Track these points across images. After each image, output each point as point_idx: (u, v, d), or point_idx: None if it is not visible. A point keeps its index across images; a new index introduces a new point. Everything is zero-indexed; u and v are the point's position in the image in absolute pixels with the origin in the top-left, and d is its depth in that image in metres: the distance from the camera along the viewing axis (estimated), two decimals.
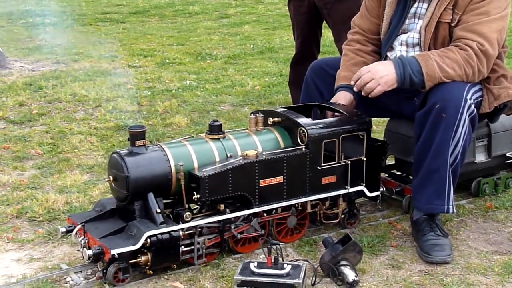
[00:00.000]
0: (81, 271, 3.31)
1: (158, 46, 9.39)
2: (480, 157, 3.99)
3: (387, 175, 4.14)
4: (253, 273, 2.96)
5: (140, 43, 9.72)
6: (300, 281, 2.90)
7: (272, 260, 3.00)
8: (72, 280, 3.24)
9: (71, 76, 7.35)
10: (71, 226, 3.33)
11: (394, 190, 3.95)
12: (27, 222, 3.93)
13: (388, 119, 4.10)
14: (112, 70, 7.88)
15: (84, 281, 3.23)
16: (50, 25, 11.47)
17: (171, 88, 6.98)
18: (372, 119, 3.89)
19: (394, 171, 4.17)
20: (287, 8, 5.75)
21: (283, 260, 3.07)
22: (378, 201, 3.81)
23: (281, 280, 2.92)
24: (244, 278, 2.94)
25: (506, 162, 4.17)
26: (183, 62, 8.28)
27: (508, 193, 4.21)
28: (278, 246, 3.10)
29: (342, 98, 3.74)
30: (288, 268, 2.97)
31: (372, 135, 3.71)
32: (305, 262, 3.18)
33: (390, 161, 4.24)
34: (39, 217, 3.96)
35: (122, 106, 6.18)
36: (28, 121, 5.85)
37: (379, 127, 5.26)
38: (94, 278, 3.25)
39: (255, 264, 2.99)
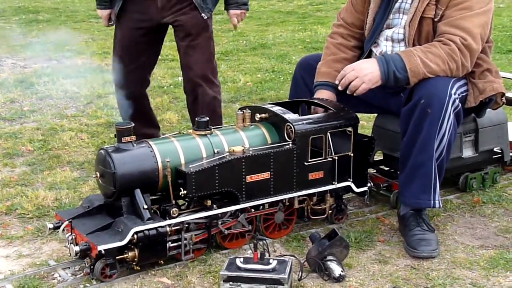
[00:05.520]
0: (68, 267, 3.31)
1: None
2: (468, 152, 4.01)
3: (375, 171, 4.15)
4: (239, 269, 2.97)
5: None
6: (286, 276, 2.91)
7: (258, 256, 3.01)
8: (59, 276, 3.25)
9: (63, 73, 7.35)
10: (59, 223, 3.33)
11: (381, 185, 3.97)
12: (17, 218, 3.94)
13: (376, 115, 4.11)
14: (104, 67, 7.88)
15: (72, 277, 3.23)
16: (43, 21, 11.45)
17: (163, 85, 6.99)
18: (362, 115, 3.90)
19: (382, 167, 4.18)
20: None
21: (269, 256, 3.08)
22: (366, 197, 3.82)
23: (267, 275, 2.93)
24: (230, 273, 2.95)
25: (493, 157, 4.19)
26: (176, 58, 8.24)
27: (495, 188, 4.23)
28: (264, 241, 3.12)
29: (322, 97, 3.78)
30: (274, 263, 2.98)
31: (362, 131, 3.72)
32: (292, 257, 3.19)
33: (378, 156, 4.26)
34: (28, 214, 3.97)
35: (113, 103, 6.17)
36: (19, 118, 5.87)
37: (369, 122, 5.27)
38: (82, 274, 3.25)
39: (241, 259, 3.00)
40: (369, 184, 3.75)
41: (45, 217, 3.91)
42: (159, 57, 8.11)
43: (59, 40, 8.95)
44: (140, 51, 4.51)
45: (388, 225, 3.79)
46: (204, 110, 4.36)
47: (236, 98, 6.49)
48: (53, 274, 3.27)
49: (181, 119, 5.77)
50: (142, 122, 4.60)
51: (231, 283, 2.94)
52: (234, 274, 2.95)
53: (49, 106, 6.22)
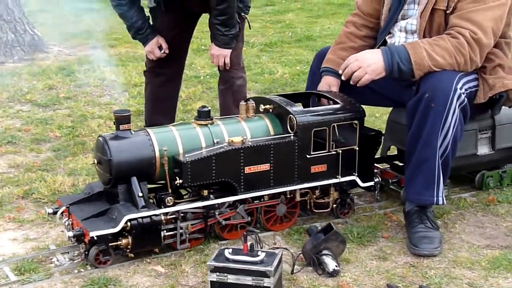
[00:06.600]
0: (67, 252, 3.36)
1: (197, 33, 9.27)
2: (483, 150, 3.88)
3: (388, 166, 4.08)
4: (227, 259, 2.95)
5: None
6: (272, 268, 2.88)
7: (248, 247, 2.99)
8: (57, 260, 3.30)
9: (104, 61, 7.44)
10: (58, 208, 3.38)
11: (390, 181, 3.90)
12: (32, 203, 4.01)
13: (392, 108, 4.04)
14: None
15: (69, 262, 3.28)
16: (95, 10, 11.61)
17: (199, 75, 7.01)
18: (379, 108, 3.79)
19: (397, 162, 4.10)
20: None
21: (261, 248, 3.06)
22: (376, 192, 3.76)
23: (253, 267, 2.90)
24: (217, 264, 2.93)
25: None
26: None
27: None
28: (255, 233, 3.10)
29: (326, 85, 3.75)
30: (262, 255, 2.95)
31: (376, 125, 3.65)
32: (283, 250, 3.16)
33: (393, 151, 4.18)
34: (43, 199, 4.03)
35: None
36: (53, 104, 5.97)
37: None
38: (79, 259, 3.29)
39: (230, 250, 2.98)
40: (376, 179, 3.68)
41: None
42: (204, 47, 8.15)
43: (107, 29, 9.09)
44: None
45: (395, 221, 3.71)
46: (229, 90, 4.61)
47: (270, 89, 6.46)
48: (51, 258, 3.32)
49: (211, 109, 5.75)
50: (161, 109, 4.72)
51: (218, 273, 2.93)
52: (221, 264, 2.93)
53: (84, 93, 6.31)
